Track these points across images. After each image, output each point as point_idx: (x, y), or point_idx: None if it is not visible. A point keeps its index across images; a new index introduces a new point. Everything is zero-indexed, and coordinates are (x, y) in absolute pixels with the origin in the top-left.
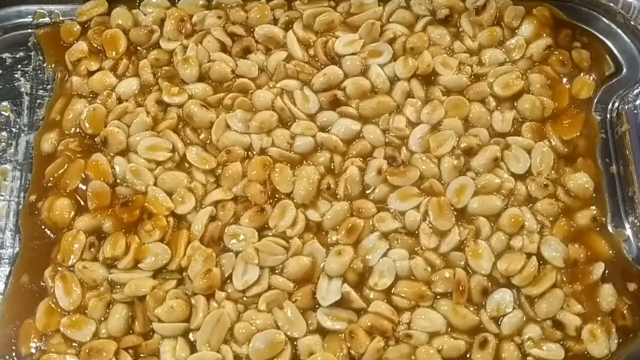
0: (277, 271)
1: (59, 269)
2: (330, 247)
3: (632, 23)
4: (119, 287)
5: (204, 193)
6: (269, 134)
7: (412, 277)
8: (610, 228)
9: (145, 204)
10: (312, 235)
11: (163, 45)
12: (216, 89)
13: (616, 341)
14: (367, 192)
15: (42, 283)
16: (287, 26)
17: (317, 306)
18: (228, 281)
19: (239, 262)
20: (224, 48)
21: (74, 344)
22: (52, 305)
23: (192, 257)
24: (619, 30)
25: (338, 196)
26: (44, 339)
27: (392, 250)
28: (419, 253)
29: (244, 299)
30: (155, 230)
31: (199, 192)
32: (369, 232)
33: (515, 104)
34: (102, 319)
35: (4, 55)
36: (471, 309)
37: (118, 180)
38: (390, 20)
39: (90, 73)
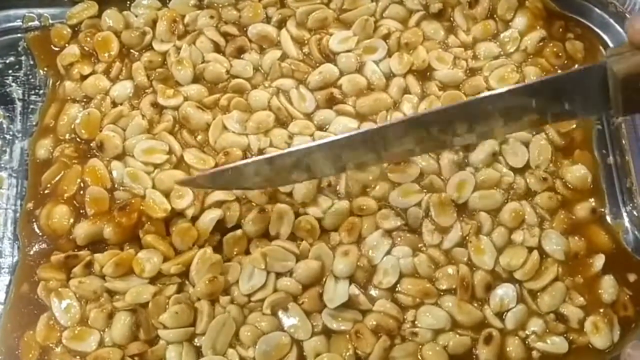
0: (285, 275)
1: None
2: (335, 248)
3: (626, 14)
4: (119, 295)
5: (203, 192)
6: (266, 134)
7: (416, 275)
8: (609, 219)
9: (142, 207)
10: (317, 238)
11: (156, 47)
12: (211, 90)
13: (619, 332)
14: (368, 189)
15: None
16: (281, 24)
17: (323, 307)
18: (233, 285)
19: (246, 267)
20: (217, 48)
21: (78, 355)
22: (52, 321)
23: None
24: (611, 21)
25: (339, 194)
26: (47, 349)
27: (396, 248)
28: (423, 250)
29: (250, 303)
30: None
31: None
32: (372, 229)
33: None
34: (105, 328)
35: None
36: (475, 304)
37: (116, 185)
38: (384, 15)
39: (83, 77)
